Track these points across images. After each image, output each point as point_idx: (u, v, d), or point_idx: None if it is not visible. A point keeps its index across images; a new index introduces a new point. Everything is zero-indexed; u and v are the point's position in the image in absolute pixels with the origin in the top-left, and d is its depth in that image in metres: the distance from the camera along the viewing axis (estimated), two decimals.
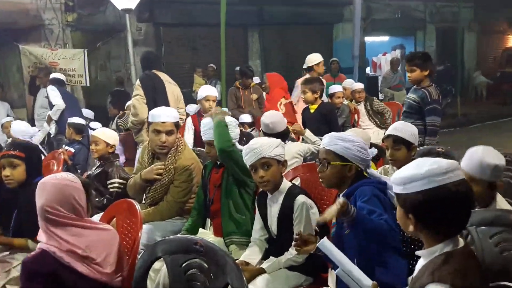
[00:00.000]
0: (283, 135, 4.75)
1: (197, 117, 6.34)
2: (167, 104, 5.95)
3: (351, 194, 2.70)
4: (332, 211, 2.35)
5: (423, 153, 4.19)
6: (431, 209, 1.75)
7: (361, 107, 8.05)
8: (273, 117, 4.81)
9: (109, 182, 4.73)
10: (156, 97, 6.13)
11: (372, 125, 7.95)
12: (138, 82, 6.22)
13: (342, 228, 2.63)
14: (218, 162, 3.82)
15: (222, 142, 3.60)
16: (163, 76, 6.37)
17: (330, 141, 2.78)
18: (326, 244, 2.23)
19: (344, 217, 2.38)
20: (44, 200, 2.67)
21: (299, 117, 6.78)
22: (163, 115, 4.07)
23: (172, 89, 6.35)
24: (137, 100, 6.07)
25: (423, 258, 1.83)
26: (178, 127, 4.18)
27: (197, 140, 6.11)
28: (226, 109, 4.94)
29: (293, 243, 2.61)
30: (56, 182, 2.70)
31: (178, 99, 6.39)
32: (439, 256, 1.76)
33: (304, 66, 8.02)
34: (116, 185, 4.69)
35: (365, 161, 2.79)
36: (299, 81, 7.36)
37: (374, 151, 2.90)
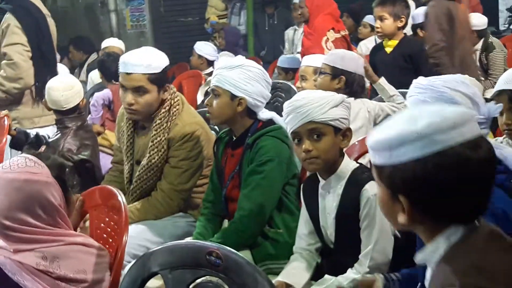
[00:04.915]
0: (353, 87, 3.47)
1: None
2: (54, 53, 4.46)
3: None
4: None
5: None
6: (434, 185, 1.33)
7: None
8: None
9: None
10: (42, 45, 4.23)
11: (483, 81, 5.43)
12: (13, 21, 4.17)
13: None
14: (234, 137, 2.79)
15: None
16: (38, 3, 4.38)
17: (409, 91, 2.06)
18: None
19: None
20: None
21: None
22: (129, 62, 2.98)
23: (52, 26, 4.44)
24: (20, 53, 4.14)
25: (428, 265, 1.45)
26: (159, 82, 3.03)
27: None
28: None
29: None
30: (11, 178, 1.95)
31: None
32: (449, 258, 1.35)
33: None
34: None
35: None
36: None
37: (497, 108, 1.91)
